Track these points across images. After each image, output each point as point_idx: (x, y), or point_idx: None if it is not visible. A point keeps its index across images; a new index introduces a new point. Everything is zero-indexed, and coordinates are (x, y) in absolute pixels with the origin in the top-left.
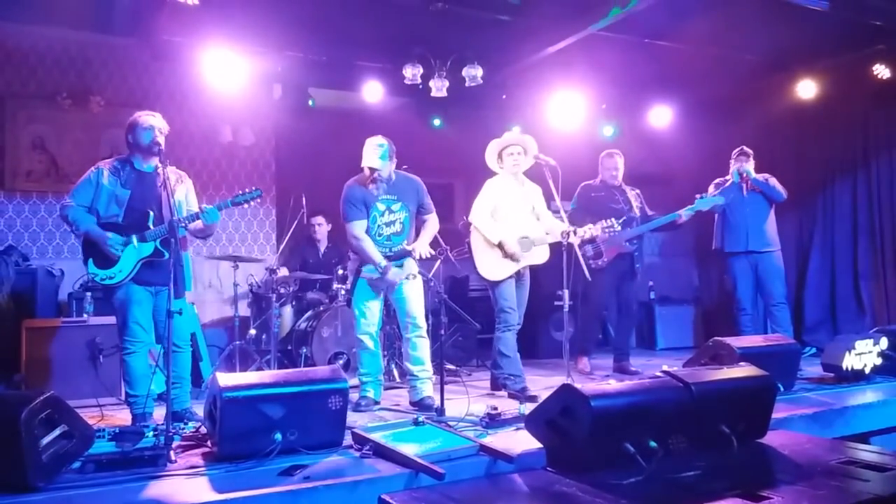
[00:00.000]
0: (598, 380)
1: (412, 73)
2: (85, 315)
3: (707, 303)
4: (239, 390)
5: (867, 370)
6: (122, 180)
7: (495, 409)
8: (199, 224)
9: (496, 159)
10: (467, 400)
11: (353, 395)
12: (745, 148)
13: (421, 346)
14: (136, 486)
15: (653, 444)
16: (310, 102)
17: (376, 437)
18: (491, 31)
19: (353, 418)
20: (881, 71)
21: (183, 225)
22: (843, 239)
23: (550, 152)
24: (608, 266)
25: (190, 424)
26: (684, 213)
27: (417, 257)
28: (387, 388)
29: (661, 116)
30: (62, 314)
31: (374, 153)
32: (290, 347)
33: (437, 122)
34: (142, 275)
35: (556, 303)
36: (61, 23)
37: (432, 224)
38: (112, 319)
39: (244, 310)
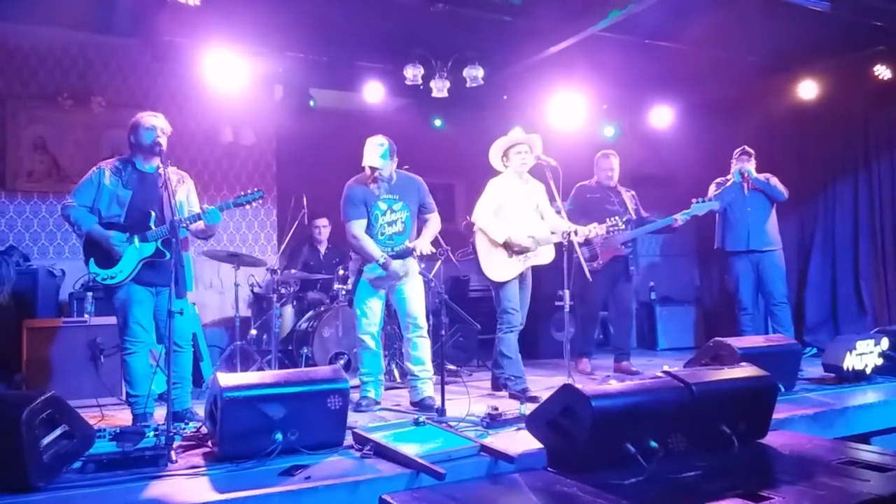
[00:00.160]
0: (599, 380)
1: (413, 73)
2: (86, 315)
3: (708, 303)
4: (240, 390)
5: (868, 370)
6: (124, 181)
7: (496, 409)
8: (200, 225)
9: (501, 158)
10: (468, 400)
11: (354, 396)
12: (747, 148)
13: (422, 347)
14: (137, 486)
15: (653, 444)
16: (311, 103)
17: (377, 437)
18: (492, 31)
19: (353, 418)
20: (882, 71)
21: (184, 225)
22: (844, 239)
23: (551, 153)
24: (603, 268)
25: (191, 424)
26: (680, 218)
27: (419, 254)
28: (387, 389)
29: (662, 117)
30: (63, 314)
31: (375, 152)
32: (290, 348)
33: (438, 122)
34: (143, 275)
35: (557, 303)
36: (62, 23)
37: (434, 223)
38: (113, 319)
39: (245, 310)
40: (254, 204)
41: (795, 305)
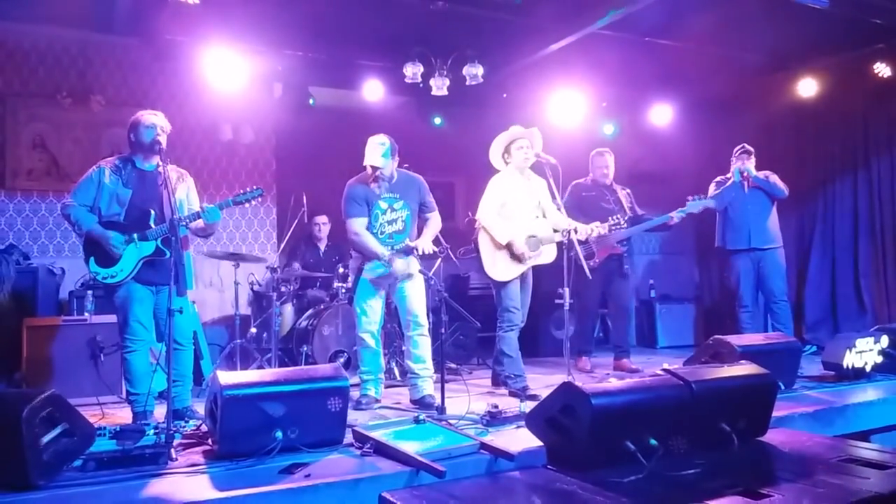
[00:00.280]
0: (599, 378)
1: (413, 71)
2: (86, 313)
3: (708, 301)
4: (240, 388)
5: (868, 368)
6: (124, 179)
7: (496, 407)
8: (200, 223)
9: (502, 155)
10: (468, 398)
11: (354, 393)
12: (747, 146)
13: (422, 345)
14: (137, 484)
15: (653, 442)
16: (310, 101)
17: (377, 435)
18: (491, 29)
19: (353, 416)
20: (882, 69)
21: (184, 224)
22: (844, 237)
23: (551, 151)
24: (598, 266)
25: (191, 422)
26: (675, 216)
27: (420, 253)
28: (388, 387)
29: (662, 115)
30: (63, 313)
31: (377, 151)
32: (290, 346)
33: (437, 120)
34: (143, 274)
35: (557, 301)
36: (62, 22)
37: (434, 222)
38: (113, 318)
39: (245, 308)
40: (253, 202)
41: (795, 303)
